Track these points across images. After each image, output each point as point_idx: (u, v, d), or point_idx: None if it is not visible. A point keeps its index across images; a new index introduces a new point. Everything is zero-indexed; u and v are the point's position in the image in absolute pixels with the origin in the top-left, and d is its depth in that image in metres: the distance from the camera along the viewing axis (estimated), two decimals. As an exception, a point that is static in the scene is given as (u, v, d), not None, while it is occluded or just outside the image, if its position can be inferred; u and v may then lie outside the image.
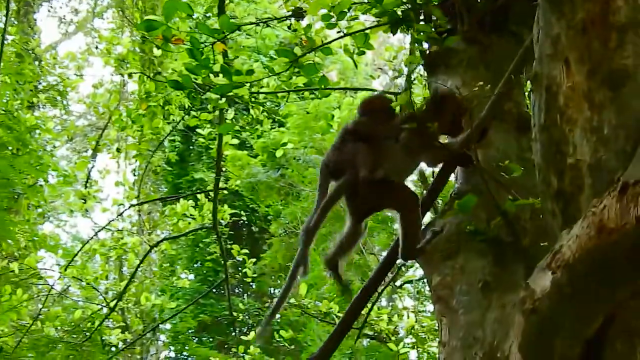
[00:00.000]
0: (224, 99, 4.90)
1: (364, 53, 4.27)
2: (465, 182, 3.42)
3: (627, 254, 2.06)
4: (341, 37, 4.20)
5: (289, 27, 6.42)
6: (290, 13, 5.10)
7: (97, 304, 9.69)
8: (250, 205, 14.66)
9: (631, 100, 2.34)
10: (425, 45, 4.05)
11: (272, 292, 15.67)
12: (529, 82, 2.74)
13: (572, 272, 2.14)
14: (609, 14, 2.35)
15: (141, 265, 10.03)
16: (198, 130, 8.92)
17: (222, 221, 9.62)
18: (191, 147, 16.23)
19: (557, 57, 2.45)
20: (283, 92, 5.68)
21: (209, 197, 9.40)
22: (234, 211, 10.68)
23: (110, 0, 13.57)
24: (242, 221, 14.06)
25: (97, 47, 12.21)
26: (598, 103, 2.35)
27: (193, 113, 7.93)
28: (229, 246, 10.21)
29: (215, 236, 8.58)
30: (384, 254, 3.82)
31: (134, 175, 13.58)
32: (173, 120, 9.09)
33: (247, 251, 10.31)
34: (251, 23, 4.80)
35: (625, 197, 2.01)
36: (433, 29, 3.72)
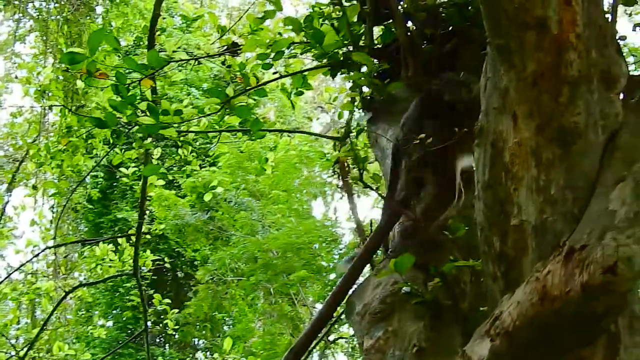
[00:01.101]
0: (149, 139, 4.71)
1: (302, 93, 4.18)
2: (403, 239, 3.32)
3: (571, 323, 2.02)
4: (278, 79, 4.09)
5: (222, 63, 6.29)
6: (225, 48, 4.97)
7: (6, 352, 9.16)
8: (176, 249, 14.26)
9: (581, 159, 2.29)
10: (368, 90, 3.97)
11: (195, 342, 15.19)
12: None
13: (511, 340, 2.09)
14: (561, 66, 2.30)
15: (55, 311, 9.54)
16: (122, 168, 8.62)
17: (143, 268, 9.26)
18: (115, 185, 15.78)
19: (505, 111, 2.39)
20: (214, 132, 5.51)
21: (131, 241, 9.05)
22: (157, 258, 10.34)
23: (33, 24, 13.16)
24: (165, 268, 13.67)
25: (16, 77, 11.79)
26: (546, 161, 2.30)
27: (117, 150, 7.65)
28: (150, 293, 9.82)
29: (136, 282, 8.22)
30: (318, 306, 3.67)
31: (52, 212, 13.03)
32: (96, 155, 8.77)
33: (169, 301, 9.94)
34: (181, 60, 4.65)
35: (571, 263, 1.98)
36: (375, 74, 3.65)
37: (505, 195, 2.37)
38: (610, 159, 2.32)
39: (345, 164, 5.16)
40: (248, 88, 3.92)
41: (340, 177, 5.37)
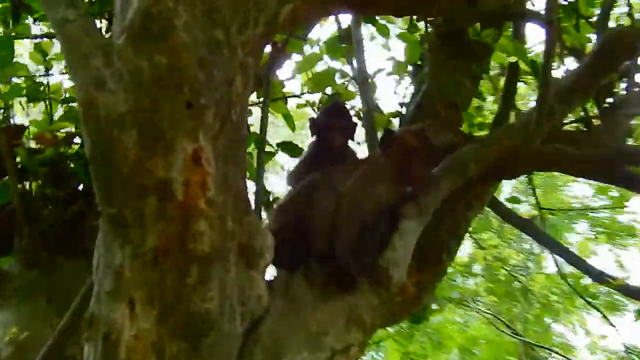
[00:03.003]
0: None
1: None
2: None
3: None
4: None
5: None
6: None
7: None
8: None
9: (214, 356, 1.94)
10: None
11: None
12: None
13: None
14: (188, 240, 1.97)
15: None
16: None
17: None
18: None
19: (120, 296, 1.96)
20: None
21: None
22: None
23: None
24: None
25: None
26: (170, 358, 1.90)
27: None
28: None
29: None
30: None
31: None
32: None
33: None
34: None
35: None
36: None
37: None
38: (251, 355, 2.00)
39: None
40: None
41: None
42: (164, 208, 1.95)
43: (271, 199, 3.26)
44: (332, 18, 3.84)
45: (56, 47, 3.59)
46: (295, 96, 3.61)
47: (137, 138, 1.96)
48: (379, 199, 2.49)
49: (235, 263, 2.06)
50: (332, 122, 2.88)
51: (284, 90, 3.59)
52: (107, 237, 2.01)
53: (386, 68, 3.62)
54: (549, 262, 9.18)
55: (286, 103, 3.73)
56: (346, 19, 3.79)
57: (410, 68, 3.71)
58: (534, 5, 3.59)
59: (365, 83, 3.25)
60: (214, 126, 2.06)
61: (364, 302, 2.29)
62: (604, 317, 7.11)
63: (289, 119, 3.71)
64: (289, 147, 3.46)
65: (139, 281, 1.94)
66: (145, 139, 1.96)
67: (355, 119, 3.01)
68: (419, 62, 3.60)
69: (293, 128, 3.76)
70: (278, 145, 3.47)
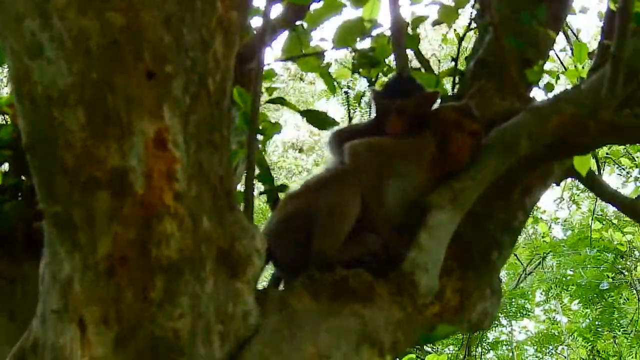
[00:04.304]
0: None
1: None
2: None
3: None
4: None
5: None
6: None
7: None
8: None
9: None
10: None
11: None
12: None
13: None
14: (151, 245, 1.63)
15: None
16: None
17: None
18: None
19: (68, 316, 1.65)
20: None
21: None
22: None
23: None
24: None
25: None
26: (131, 394, 1.60)
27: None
28: None
29: None
30: None
31: None
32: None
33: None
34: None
35: None
36: None
37: None
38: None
39: None
40: None
41: None
42: (120, 205, 1.63)
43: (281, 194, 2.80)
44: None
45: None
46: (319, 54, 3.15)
47: (84, 119, 1.63)
48: (412, 190, 2.13)
49: (213, 272, 1.72)
50: (387, 102, 2.39)
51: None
52: (52, 243, 1.69)
53: (430, 16, 3.12)
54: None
55: (323, 58, 3.27)
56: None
57: (473, 11, 3.16)
58: None
59: (400, 34, 2.75)
60: (183, 100, 1.71)
61: (382, 317, 1.90)
62: None
63: (326, 77, 3.24)
64: (315, 117, 3.01)
65: (91, 297, 1.64)
66: (94, 119, 1.63)
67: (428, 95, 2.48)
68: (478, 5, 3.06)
69: (333, 90, 3.31)
70: (303, 113, 3.02)
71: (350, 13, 2.96)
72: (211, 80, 1.78)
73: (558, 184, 2.95)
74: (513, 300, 11.39)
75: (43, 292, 1.71)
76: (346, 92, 3.00)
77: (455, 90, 2.88)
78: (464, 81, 2.81)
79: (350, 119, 3.04)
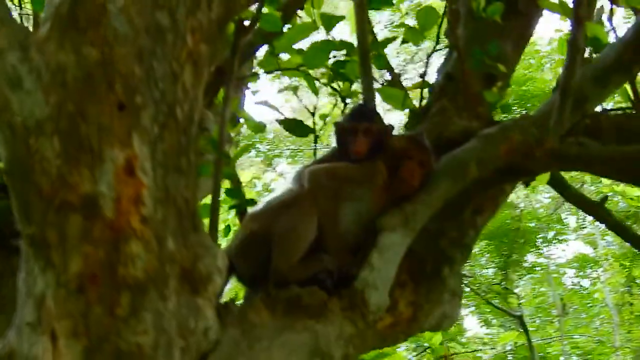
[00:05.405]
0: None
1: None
2: None
3: None
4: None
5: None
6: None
7: None
8: None
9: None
10: None
11: None
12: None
13: None
14: (118, 265, 1.78)
15: None
16: None
17: None
18: None
19: (41, 329, 1.80)
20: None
21: None
22: None
23: None
24: None
25: None
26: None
27: None
28: None
29: None
30: None
31: None
32: None
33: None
34: None
35: None
36: None
37: None
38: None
39: None
40: None
41: None
42: (90, 228, 1.78)
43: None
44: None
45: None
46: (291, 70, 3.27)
47: (59, 147, 1.78)
48: (366, 213, 2.30)
49: (175, 290, 1.87)
50: (355, 123, 2.51)
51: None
52: (28, 260, 1.84)
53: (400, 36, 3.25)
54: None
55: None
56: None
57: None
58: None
59: (366, 56, 2.88)
60: (152, 129, 1.86)
61: (333, 332, 2.07)
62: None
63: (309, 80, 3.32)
64: (292, 126, 3.16)
65: (63, 312, 1.78)
66: (68, 148, 1.78)
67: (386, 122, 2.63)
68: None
69: (316, 91, 3.40)
70: (281, 122, 3.16)
71: (320, 35, 3.06)
72: (179, 109, 1.93)
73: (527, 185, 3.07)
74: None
75: (19, 305, 1.86)
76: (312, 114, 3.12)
77: (424, 103, 3.01)
78: (433, 94, 2.96)
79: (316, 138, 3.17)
